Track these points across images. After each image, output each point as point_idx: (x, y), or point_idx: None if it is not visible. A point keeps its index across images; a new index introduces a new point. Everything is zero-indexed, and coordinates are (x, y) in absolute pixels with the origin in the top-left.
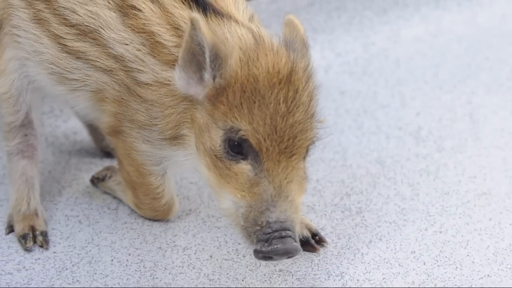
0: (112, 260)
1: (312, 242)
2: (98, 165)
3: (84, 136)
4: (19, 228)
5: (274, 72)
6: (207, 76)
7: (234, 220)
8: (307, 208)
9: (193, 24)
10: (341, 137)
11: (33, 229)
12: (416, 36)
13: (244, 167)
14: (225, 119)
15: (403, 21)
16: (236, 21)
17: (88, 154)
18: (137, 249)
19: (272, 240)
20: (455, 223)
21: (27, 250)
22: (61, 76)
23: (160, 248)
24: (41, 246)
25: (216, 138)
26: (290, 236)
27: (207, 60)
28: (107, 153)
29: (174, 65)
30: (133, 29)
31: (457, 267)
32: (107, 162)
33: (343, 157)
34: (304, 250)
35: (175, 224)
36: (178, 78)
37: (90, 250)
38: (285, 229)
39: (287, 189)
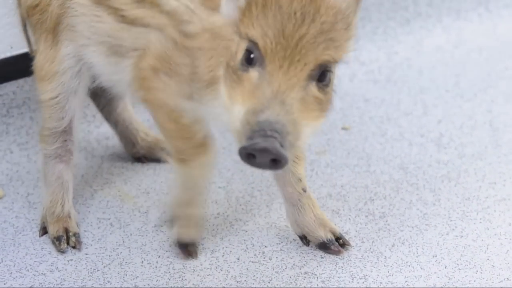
0: (142, 262)
1: (336, 245)
2: (130, 170)
3: (116, 141)
4: (53, 230)
5: None
6: None
7: (234, 127)
8: (332, 212)
9: None
10: (365, 143)
11: (66, 231)
12: (438, 46)
13: (251, 74)
14: (246, 31)
15: (425, 31)
16: None
17: (120, 159)
18: (166, 251)
19: (256, 137)
20: (476, 228)
21: (61, 251)
22: (116, 47)
23: None
24: (74, 247)
25: (239, 53)
26: (275, 138)
27: None
28: (138, 159)
29: (218, 9)
30: None
31: (477, 271)
32: (138, 167)
33: (367, 163)
34: (328, 253)
35: (204, 227)
36: (224, 7)
37: (121, 252)
38: (272, 130)
39: (285, 95)
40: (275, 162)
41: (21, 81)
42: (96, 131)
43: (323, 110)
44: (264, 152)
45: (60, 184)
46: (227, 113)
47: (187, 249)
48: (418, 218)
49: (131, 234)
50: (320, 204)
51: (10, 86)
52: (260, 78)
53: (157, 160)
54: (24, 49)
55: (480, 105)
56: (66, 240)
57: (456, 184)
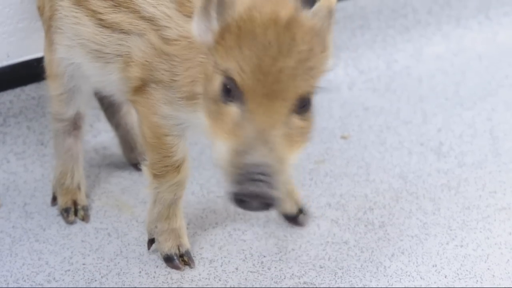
0: (140, 272)
1: (301, 216)
2: (127, 179)
3: (113, 150)
4: (62, 201)
5: (273, 16)
6: (214, 21)
7: (221, 166)
8: (331, 222)
9: None
10: (365, 152)
11: (75, 203)
12: (438, 54)
13: (231, 109)
14: (221, 62)
15: (425, 39)
16: None
17: (117, 168)
18: None
19: (245, 181)
20: (476, 237)
21: (69, 223)
22: (97, 52)
23: None
24: (83, 220)
25: (216, 83)
26: (263, 181)
27: (214, 3)
28: (134, 165)
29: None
30: None
31: (477, 281)
32: (135, 176)
33: (366, 172)
34: (295, 225)
35: (202, 237)
36: (195, 26)
37: (118, 262)
38: (260, 173)
39: (268, 135)
40: (267, 203)
41: (18, 90)
42: (94, 141)
43: (306, 136)
44: (254, 198)
45: (70, 156)
46: (212, 144)
47: (176, 262)
48: (418, 228)
49: (128, 244)
50: (319, 214)
51: (7, 95)
52: (241, 115)
53: None
54: (21, 58)
55: (480, 114)
56: (74, 212)
57: (456, 193)
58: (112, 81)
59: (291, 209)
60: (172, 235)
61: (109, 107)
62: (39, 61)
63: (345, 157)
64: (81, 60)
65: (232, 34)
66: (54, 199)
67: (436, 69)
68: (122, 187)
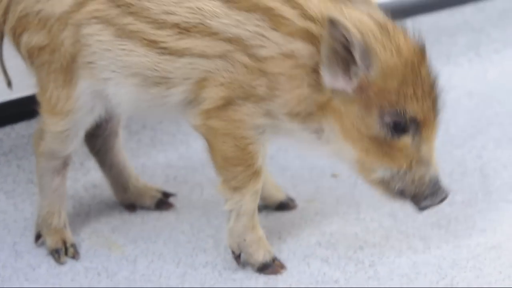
0: None
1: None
2: (117, 218)
3: (103, 189)
4: (51, 242)
5: (414, 52)
6: (359, 70)
7: (388, 189)
8: (321, 261)
9: (334, 23)
10: (355, 191)
11: (64, 242)
12: None
13: (406, 140)
14: (383, 105)
15: None
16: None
17: (107, 207)
18: None
19: (434, 194)
20: (466, 276)
21: (61, 263)
22: (158, 78)
23: None
24: (73, 257)
25: (373, 123)
26: (442, 187)
27: (357, 56)
28: (127, 206)
29: (299, 36)
30: (245, 10)
31: None
32: (125, 215)
33: (356, 210)
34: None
35: (192, 276)
36: (325, 76)
37: None
38: (439, 182)
39: (433, 150)
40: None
41: (7, 129)
42: (84, 179)
43: None
44: (442, 202)
45: (57, 196)
46: (367, 171)
47: (272, 267)
48: (408, 267)
49: (118, 284)
50: (309, 253)
51: None
52: (415, 142)
53: (146, 207)
54: (10, 96)
55: (470, 151)
56: (64, 252)
57: (446, 232)
58: (168, 104)
59: (281, 196)
60: (261, 243)
61: (101, 147)
62: (29, 100)
63: (335, 196)
64: (122, 91)
65: (394, 80)
66: (38, 238)
67: None
68: (112, 226)
